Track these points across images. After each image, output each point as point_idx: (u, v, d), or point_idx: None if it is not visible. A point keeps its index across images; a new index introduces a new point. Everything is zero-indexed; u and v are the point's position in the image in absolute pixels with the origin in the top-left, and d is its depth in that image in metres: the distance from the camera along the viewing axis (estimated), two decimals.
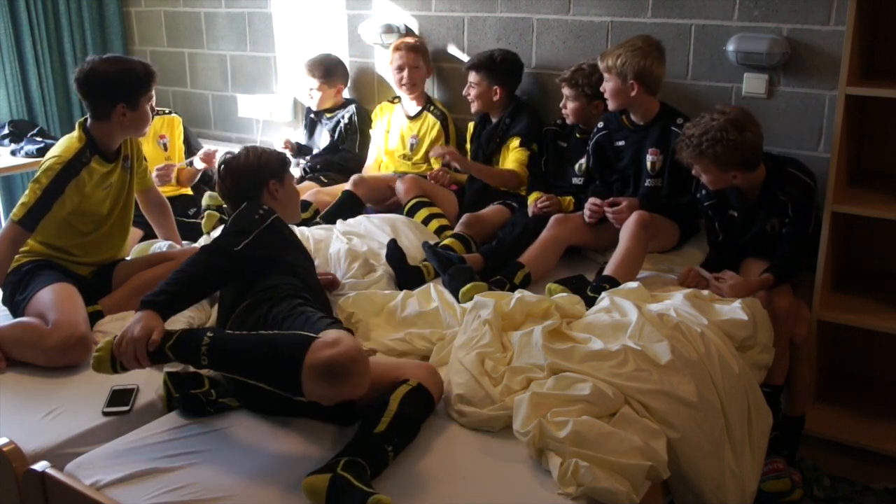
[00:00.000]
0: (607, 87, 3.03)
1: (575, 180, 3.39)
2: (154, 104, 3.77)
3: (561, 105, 3.36)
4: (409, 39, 3.82)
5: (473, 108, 3.61)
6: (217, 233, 2.67)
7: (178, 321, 2.53)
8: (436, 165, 3.81)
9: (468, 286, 2.69)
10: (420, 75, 3.80)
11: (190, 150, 4.11)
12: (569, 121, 3.37)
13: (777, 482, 2.67)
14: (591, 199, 3.08)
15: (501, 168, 3.54)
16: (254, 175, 2.56)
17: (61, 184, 2.69)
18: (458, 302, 2.69)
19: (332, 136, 4.10)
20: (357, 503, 1.73)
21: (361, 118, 4.08)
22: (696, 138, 2.66)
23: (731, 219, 2.87)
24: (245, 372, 2.00)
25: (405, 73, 3.77)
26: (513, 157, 3.52)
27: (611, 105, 3.07)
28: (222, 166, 2.59)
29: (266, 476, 1.92)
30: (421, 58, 3.78)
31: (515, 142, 3.52)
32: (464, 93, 3.61)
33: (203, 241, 3.26)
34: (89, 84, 2.74)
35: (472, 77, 3.55)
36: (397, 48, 3.78)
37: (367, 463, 1.86)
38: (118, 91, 2.74)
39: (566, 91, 3.31)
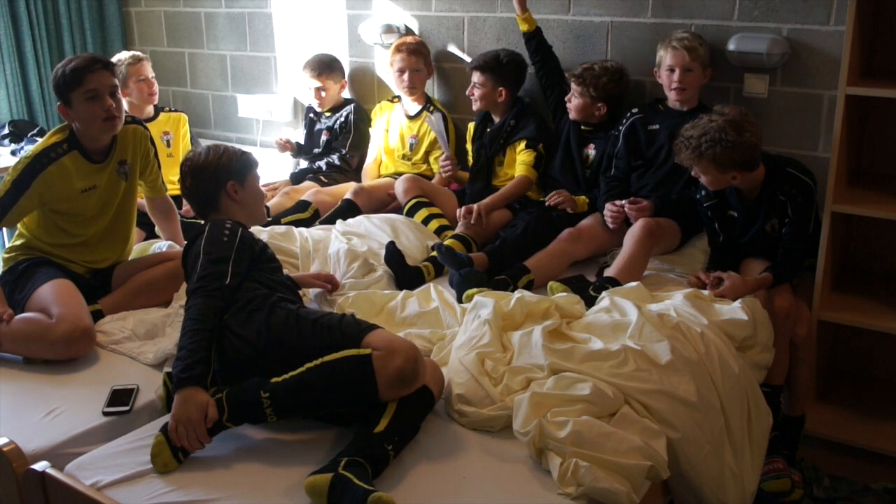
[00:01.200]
0: (689, 77, 3.03)
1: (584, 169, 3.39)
2: (143, 92, 3.73)
3: (566, 98, 3.36)
4: (410, 40, 3.81)
5: (476, 107, 3.60)
6: None
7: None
8: (434, 166, 3.82)
9: (473, 290, 2.68)
10: (421, 78, 3.80)
11: None
12: (571, 116, 3.36)
13: (777, 482, 2.67)
14: (609, 205, 3.04)
15: (512, 183, 3.48)
16: (212, 175, 2.45)
17: (27, 178, 2.66)
18: (460, 302, 2.69)
19: (329, 135, 4.10)
20: (358, 501, 1.73)
21: (359, 117, 4.08)
22: (694, 139, 2.66)
23: (732, 219, 2.87)
24: (320, 408, 2.03)
25: (406, 76, 3.76)
26: (520, 159, 3.50)
27: (687, 94, 3.06)
28: (184, 165, 2.49)
29: (266, 476, 1.93)
30: (422, 60, 3.77)
31: (522, 145, 3.50)
32: (467, 92, 3.60)
33: None
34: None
35: (477, 77, 3.53)
36: (398, 50, 3.77)
37: (367, 462, 1.87)
38: (56, 91, 2.71)
39: (573, 86, 3.31)
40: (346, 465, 1.83)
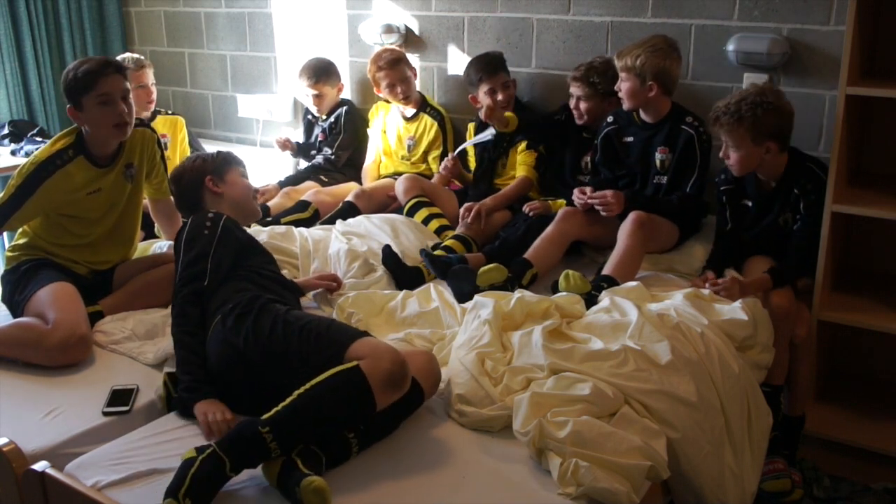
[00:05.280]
0: (624, 86, 2.98)
1: (580, 178, 3.38)
2: (141, 100, 3.73)
3: (572, 105, 3.32)
4: (384, 54, 3.76)
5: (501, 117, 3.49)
6: None
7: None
8: (434, 166, 3.81)
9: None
10: (411, 84, 3.78)
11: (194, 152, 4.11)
12: (582, 121, 3.32)
13: (777, 482, 2.67)
14: (578, 189, 3.04)
15: (514, 184, 3.48)
16: (190, 178, 2.60)
17: (32, 185, 2.64)
18: (460, 302, 2.69)
19: (324, 136, 4.11)
20: (294, 484, 1.78)
21: (350, 118, 4.06)
22: (733, 105, 2.60)
23: (745, 208, 2.86)
24: (321, 430, 1.91)
25: (398, 89, 3.74)
26: (521, 160, 3.50)
27: (626, 105, 3.02)
28: (168, 183, 2.65)
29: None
30: (404, 65, 3.75)
31: (523, 145, 3.50)
32: (499, 103, 3.44)
33: None
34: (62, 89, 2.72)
35: (501, 80, 3.46)
36: (379, 68, 3.73)
37: (323, 452, 1.91)
38: (67, 93, 2.68)
39: (578, 90, 3.26)
40: (300, 451, 1.86)
